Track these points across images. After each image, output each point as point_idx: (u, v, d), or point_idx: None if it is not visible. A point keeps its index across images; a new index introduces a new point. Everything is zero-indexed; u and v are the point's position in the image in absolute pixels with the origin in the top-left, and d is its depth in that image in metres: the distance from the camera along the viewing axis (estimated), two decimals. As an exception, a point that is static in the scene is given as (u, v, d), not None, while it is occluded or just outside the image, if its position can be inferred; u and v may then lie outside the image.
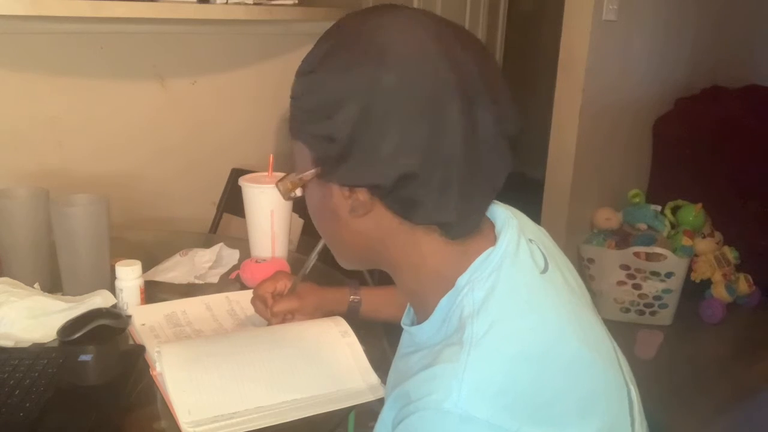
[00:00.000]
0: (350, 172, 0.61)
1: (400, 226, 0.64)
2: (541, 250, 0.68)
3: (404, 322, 0.75)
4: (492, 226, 0.68)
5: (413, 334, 0.69)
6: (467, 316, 0.60)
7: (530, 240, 0.68)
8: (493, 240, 0.65)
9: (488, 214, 0.68)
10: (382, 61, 0.59)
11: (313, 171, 0.65)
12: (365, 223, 0.65)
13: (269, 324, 1.05)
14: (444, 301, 0.63)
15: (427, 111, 0.58)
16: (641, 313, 2.77)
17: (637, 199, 2.93)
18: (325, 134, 0.61)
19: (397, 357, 0.76)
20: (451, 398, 0.55)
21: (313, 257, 0.99)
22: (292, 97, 0.64)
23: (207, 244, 1.36)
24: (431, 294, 0.65)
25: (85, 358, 0.94)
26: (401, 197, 0.62)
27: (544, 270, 0.66)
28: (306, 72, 0.63)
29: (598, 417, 0.60)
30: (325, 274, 1.19)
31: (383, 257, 0.68)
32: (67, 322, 1.01)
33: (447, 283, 0.63)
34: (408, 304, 0.76)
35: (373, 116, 0.59)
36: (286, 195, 0.70)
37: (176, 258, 1.30)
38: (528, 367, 0.57)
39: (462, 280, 0.63)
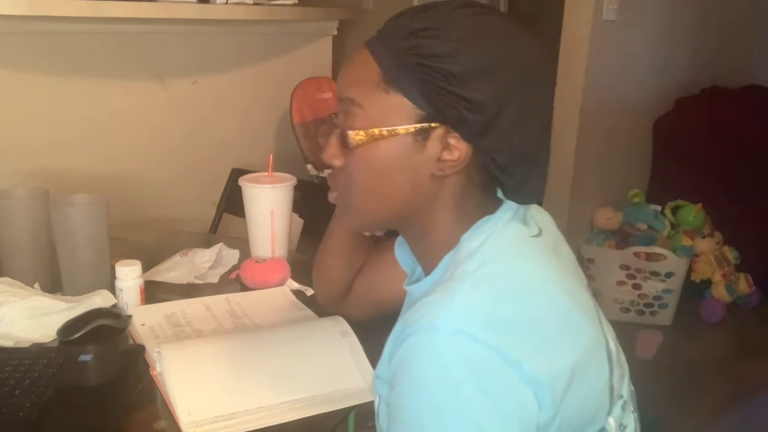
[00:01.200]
0: (493, 137, 0.66)
1: (459, 191, 0.70)
2: (538, 224, 0.74)
3: (406, 284, 0.82)
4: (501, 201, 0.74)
5: (412, 293, 0.77)
6: (462, 259, 0.67)
7: (531, 216, 0.75)
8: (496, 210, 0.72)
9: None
10: (530, 42, 0.70)
11: (420, 125, 0.67)
12: (435, 185, 0.70)
13: None
14: (447, 257, 0.71)
15: (551, 92, 0.72)
16: (641, 313, 2.77)
17: (637, 199, 2.93)
18: (474, 98, 0.65)
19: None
20: (441, 316, 0.61)
21: None
22: (431, 56, 0.65)
23: (207, 244, 1.36)
24: (443, 253, 0.71)
25: (85, 358, 0.94)
26: (505, 169, 0.68)
27: (537, 235, 0.72)
28: (458, 38, 0.66)
29: (575, 353, 0.65)
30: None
31: (419, 219, 0.73)
32: (67, 322, 1.01)
33: (454, 242, 0.70)
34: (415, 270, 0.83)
35: (525, 88, 0.67)
36: (352, 144, 0.69)
37: (176, 258, 1.30)
38: (512, 299, 0.64)
39: (465, 236, 0.70)
